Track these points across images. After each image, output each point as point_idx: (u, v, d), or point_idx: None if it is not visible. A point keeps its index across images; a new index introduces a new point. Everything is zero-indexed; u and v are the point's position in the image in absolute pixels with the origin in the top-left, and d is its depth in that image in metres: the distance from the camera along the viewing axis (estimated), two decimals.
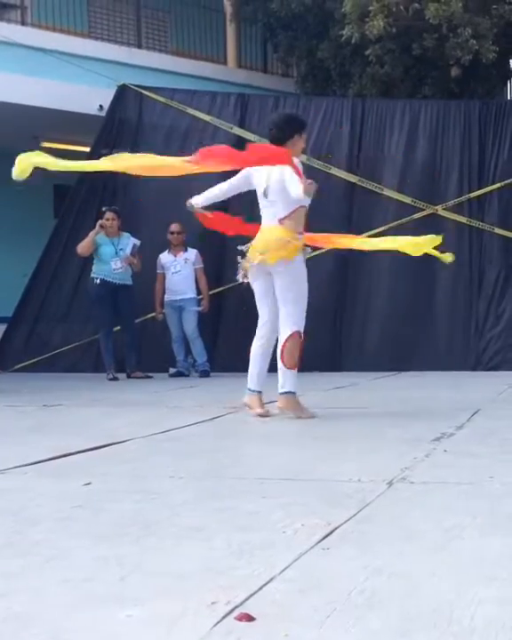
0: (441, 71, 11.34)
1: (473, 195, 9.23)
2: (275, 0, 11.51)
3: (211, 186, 5.21)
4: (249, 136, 9.16)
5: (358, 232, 9.34)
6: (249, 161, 4.89)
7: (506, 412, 5.15)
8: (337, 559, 2.06)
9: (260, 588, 1.84)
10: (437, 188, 9.16)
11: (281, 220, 4.85)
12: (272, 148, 4.87)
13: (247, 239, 5.08)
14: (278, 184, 4.77)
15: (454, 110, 9.47)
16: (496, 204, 9.30)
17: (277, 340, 4.91)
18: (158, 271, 8.82)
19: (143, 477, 3.19)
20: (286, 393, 4.80)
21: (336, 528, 2.34)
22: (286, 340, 4.78)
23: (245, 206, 6.34)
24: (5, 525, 2.49)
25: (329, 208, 8.87)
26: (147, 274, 8.70)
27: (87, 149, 10.03)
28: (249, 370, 4.98)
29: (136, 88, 9.73)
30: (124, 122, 9.74)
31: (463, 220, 9.22)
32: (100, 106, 10.26)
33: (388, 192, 9.24)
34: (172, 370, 8.78)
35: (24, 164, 4.86)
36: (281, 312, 4.83)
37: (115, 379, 8.29)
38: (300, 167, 4.83)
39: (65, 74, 10.38)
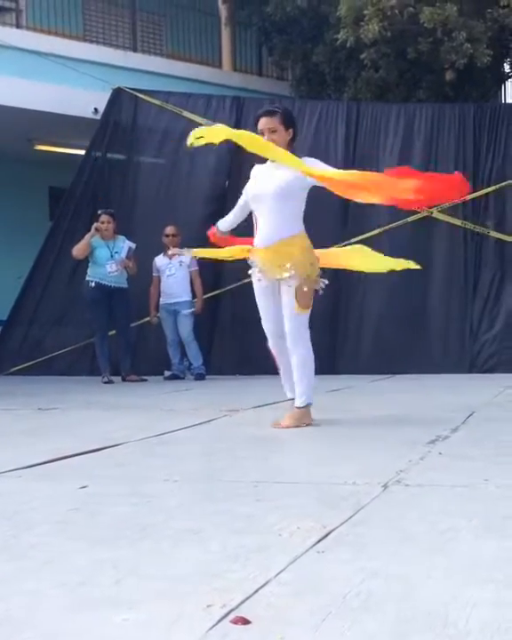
0: (435, 75, 11.37)
1: (468, 197, 9.25)
2: (270, 3, 11.53)
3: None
4: None
5: (354, 235, 9.40)
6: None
7: (501, 414, 5.16)
8: (332, 562, 2.06)
9: (256, 592, 1.84)
10: None
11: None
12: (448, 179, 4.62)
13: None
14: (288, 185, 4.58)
15: (449, 113, 9.49)
16: (491, 207, 9.33)
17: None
18: (153, 274, 8.82)
19: (138, 480, 3.19)
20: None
21: (331, 531, 2.34)
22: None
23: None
24: (0, 529, 2.48)
25: (324, 211, 8.88)
26: (142, 277, 8.71)
27: (82, 152, 10.04)
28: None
29: (131, 91, 9.73)
30: (119, 125, 9.75)
31: (458, 222, 9.24)
32: (95, 109, 10.27)
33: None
34: (167, 373, 8.79)
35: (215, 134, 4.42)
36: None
37: (109, 382, 8.29)
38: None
39: (60, 77, 10.39)
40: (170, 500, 2.83)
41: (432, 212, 9.24)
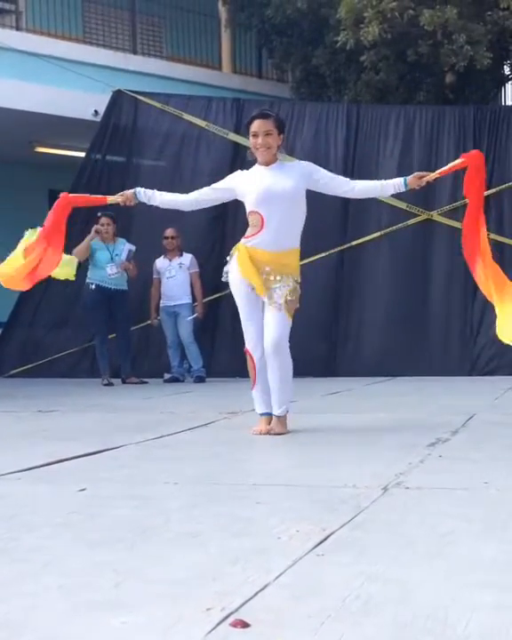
0: (435, 77, 11.38)
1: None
2: (270, 6, 11.53)
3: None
4: (245, 142, 9.16)
5: (353, 237, 9.40)
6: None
7: (501, 417, 5.16)
8: (332, 565, 2.06)
9: (255, 595, 1.84)
10: (432, 193, 9.17)
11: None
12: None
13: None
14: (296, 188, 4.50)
15: (449, 116, 9.49)
16: (491, 210, 9.33)
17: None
18: (154, 276, 8.83)
19: (138, 483, 3.19)
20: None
21: (331, 534, 2.34)
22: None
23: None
24: (0, 531, 2.48)
25: (325, 214, 8.89)
26: (142, 279, 8.71)
27: (82, 155, 10.05)
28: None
29: (131, 93, 9.74)
30: (119, 127, 9.75)
31: (458, 225, 9.21)
32: (95, 111, 10.27)
33: (382, 198, 9.25)
34: (166, 375, 8.78)
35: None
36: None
37: (109, 384, 8.29)
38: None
39: (60, 79, 10.39)
40: (169, 502, 2.83)
41: (432, 215, 9.24)
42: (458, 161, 4.73)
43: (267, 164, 4.56)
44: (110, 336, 8.71)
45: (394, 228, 9.24)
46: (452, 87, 11.62)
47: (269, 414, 4.58)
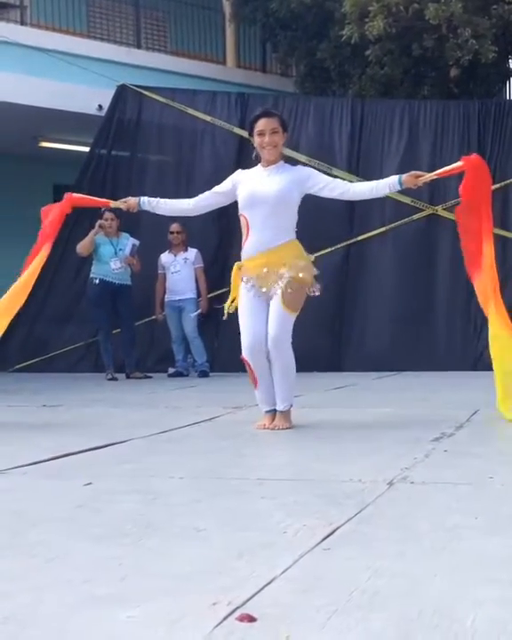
0: (440, 71, 11.34)
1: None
2: (274, 0, 11.50)
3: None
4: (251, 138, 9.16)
5: (359, 232, 9.39)
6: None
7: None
8: (338, 559, 2.06)
9: (262, 589, 1.84)
10: (437, 188, 9.14)
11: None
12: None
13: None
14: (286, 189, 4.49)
15: (453, 110, 9.47)
16: (496, 205, 9.29)
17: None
18: (159, 271, 8.82)
19: (143, 478, 3.19)
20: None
21: (337, 528, 2.34)
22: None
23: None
24: (6, 526, 2.48)
25: (329, 209, 8.87)
26: (147, 274, 8.70)
27: (86, 149, 10.04)
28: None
29: (136, 88, 9.72)
30: (124, 122, 9.74)
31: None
32: (100, 106, 10.25)
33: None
34: (170, 370, 8.78)
35: None
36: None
37: (114, 379, 8.30)
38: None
39: (64, 74, 10.37)
40: (174, 497, 2.83)
41: (437, 210, 9.22)
42: (457, 164, 4.68)
43: (270, 163, 4.54)
44: (115, 331, 8.71)
45: (399, 223, 9.23)
46: (457, 81, 11.58)
47: (274, 411, 4.58)
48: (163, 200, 4.85)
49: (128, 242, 8.61)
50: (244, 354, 4.54)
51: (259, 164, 4.62)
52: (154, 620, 1.67)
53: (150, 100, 9.68)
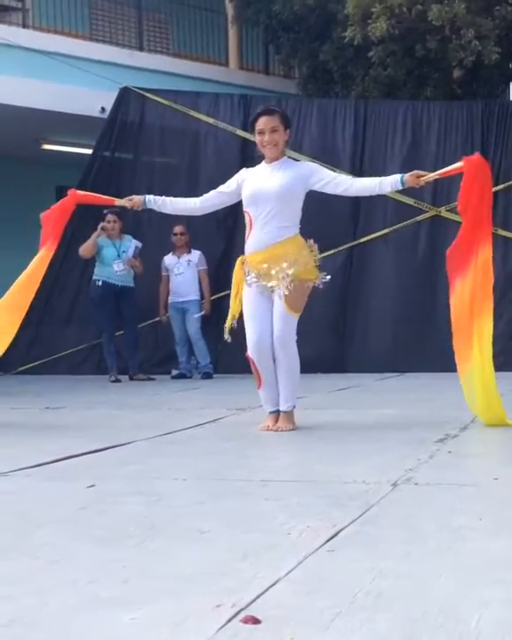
0: (443, 73, 11.33)
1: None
2: (277, 1, 11.50)
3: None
4: (253, 138, 9.16)
5: (362, 234, 9.38)
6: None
7: (509, 413, 5.13)
8: (342, 561, 2.05)
9: (266, 591, 1.83)
10: (440, 189, 9.13)
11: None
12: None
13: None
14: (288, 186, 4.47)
15: (457, 111, 9.45)
16: (499, 205, 9.28)
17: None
18: (163, 273, 8.82)
19: (146, 479, 3.18)
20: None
21: (341, 530, 2.33)
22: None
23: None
24: (9, 528, 2.48)
25: (333, 210, 8.87)
26: (150, 276, 8.70)
27: (89, 152, 10.04)
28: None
29: (138, 90, 9.72)
30: (126, 124, 9.73)
31: None
32: (102, 108, 10.26)
33: (390, 193, 9.24)
34: (174, 371, 8.78)
35: None
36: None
37: (117, 381, 8.29)
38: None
39: (66, 76, 10.38)
40: (178, 498, 2.82)
41: (440, 212, 9.21)
42: (458, 164, 4.64)
43: (273, 160, 4.55)
44: (118, 333, 8.71)
45: (402, 224, 9.21)
46: (460, 82, 11.57)
47: (277, 412, 4.57)
48: (168, 199, 4.85)
49: (131, 244, 8.62)
50: (250, 352, 4.55)
51: (262, 162, 4.63)
52: (157, 622, 1.66)
53: (153, 103, 9.68)
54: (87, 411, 5.80)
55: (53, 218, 5.06)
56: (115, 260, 8.49)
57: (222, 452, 3.84)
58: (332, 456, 3.67)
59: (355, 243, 9.37)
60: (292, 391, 4.54)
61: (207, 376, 8.54)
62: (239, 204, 4.72)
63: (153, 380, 8.45)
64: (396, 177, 4.50)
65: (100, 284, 8.50)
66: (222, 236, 9.36)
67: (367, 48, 10.50)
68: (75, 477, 3.23)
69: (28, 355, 9.41)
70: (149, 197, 4.83)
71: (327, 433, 4.42)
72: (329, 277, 4.62)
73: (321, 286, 4.60)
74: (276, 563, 2.03)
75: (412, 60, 10.87)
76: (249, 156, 8.19)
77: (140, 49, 12.25)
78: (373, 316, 9.28)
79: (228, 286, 9.01)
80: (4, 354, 5.33)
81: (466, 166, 4.51)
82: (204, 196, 4.78)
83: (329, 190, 4.59)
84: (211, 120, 9.56)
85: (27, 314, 5.24)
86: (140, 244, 8.65)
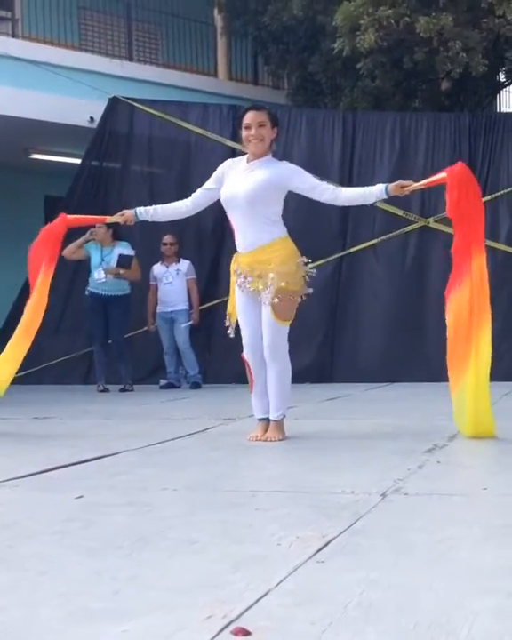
0: (431, 84, 11.41)
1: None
2: (266, 13, 11.55)
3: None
4: (242, 149, 9.18)
5: (351, 244, 9.41)
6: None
7: (498, 422, 5.14)
8: (332, 572, 2.05)
9: (256, 602, 1.82)
10: (428, 200, 9.18)
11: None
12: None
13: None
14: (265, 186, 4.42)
15: (445, 123, 9.52)
16: (487, 216, 9.31)
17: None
18: (151, 282, 8.81)
19: (136, 490, 3.17)
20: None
21: (331, 540, 2.33)
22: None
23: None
24: None
25: (322, 221, 8.90)
26: (139, 285, 8.69)
27: (78, 161, 10.04)
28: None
29: (127, 100, 9.73)
30: (115, 134, 9.74)
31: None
32: (91, 118, 10.27)
33: (379, 204, 9.26)
34: (162, 381, 8.76)
35: None
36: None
37: (105, 390, 8.26)
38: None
39: (56, 86, 10.38)
40: (167, 509, 2.81)
41: (428, 223, 9.25)
42: (441, 175, 4.63)
43: (256, 157, 4.48)
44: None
45: (391, 235, 9.25)
46: (448, 94, 11.65)
47: (267, 419, 4.57)
48: (159, 207, 4.84)
49: (115, 251, 8.46)
50: (245, 353, 4.59)
51: (244, 160, 4.57)
52: (148, 634, 1.65)
53: (142, 113, 9.70)
54: (75, 421, 5.78)
55: (49, 243, 5.09)
56: (97, 268, 8.42)
57: (212, 463, 3.83)
58: (322, 466, 3.67)
59: (344, 253, 9.40)
60: (282, 400, 4.53)
61: (196, 386, 8.53)
62: (224, 216, 4.74)
63: (130, 391, 8.32)
64: (381, 187, 4.49)
65: (87, 293, 8.49)
66: (211, 246, 9.37)
67: (356, 59, 10.55)
68: (63, 488, 3.22)
69: None
70: (140, 210, 4.80)
71: (316, 443, 4.42)
72: (311, 291, 4.60)
73: (304, 297, 4.59)
74: (266, 574, 2.03)
75: (401, 71, 10.93)
76: None
77: (130, 59, 12.28)
78: (362, 326, 9.29)
79: (217, 296, 9.10)
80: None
81: (449, 177, 4.52)
82: (193, 195, 4.76)
83: (315, 197, 4.54)
84: (200, 130, 9.58)
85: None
86: (127, 252, 8.49)
